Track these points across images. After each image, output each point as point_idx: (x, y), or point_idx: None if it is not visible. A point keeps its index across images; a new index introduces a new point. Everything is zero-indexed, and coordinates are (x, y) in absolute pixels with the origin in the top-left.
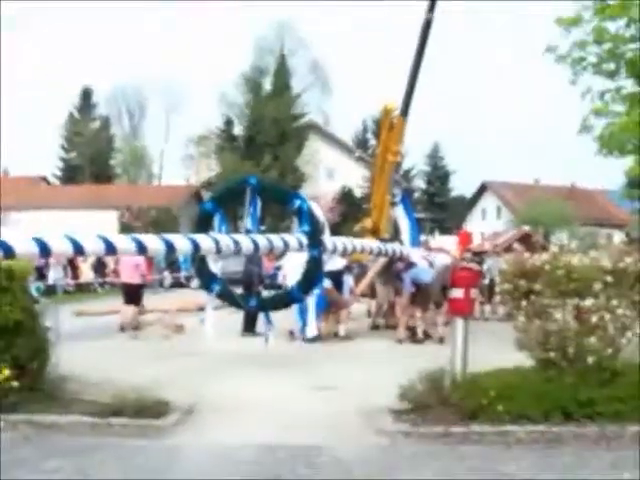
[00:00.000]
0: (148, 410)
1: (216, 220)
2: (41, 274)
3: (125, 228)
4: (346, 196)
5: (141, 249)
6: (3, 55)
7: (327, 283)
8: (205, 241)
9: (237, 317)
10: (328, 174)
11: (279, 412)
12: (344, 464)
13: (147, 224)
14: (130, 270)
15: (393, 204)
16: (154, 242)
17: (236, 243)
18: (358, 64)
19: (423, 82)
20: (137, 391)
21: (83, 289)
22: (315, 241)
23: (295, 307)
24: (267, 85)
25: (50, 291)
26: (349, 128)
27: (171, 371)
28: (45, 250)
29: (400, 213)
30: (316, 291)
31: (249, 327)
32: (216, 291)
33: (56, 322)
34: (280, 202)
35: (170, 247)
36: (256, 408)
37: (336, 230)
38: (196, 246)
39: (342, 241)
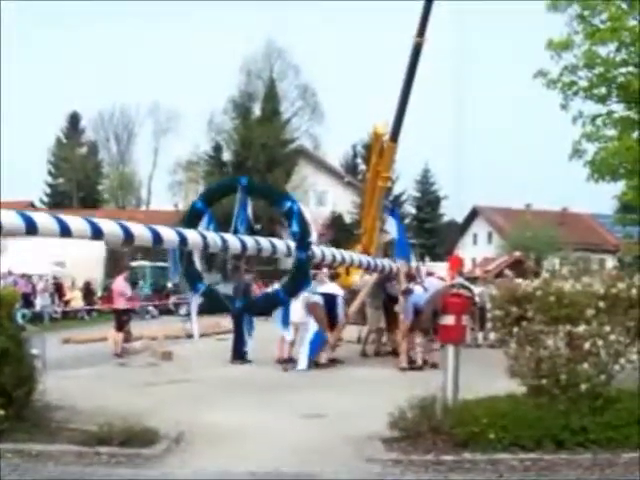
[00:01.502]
0: (136, 438)
1: (204, 219)
2: (28, 301)
3: (112, 254)
4: (336, 221)
5: (128, 236)
6: None
7: (319, 299)
8: (192, 235)
9: (226, 345)
10: (318, 200)
11: (268, 440)
12: None
13: (135, 250)
14: (114, 295)
15: (383, 230)
16: (141, 230)
17: (224, 241)
18: (348, 89)
19: (414, 106)
20: (125, 419)
21: (70, 316)
22: (303, 244)
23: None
24: (256, 110)
25: (37, 318)
26: (339, 153)
27: (159, 399)
28: (32, 226)
29: (392, 228)
30: (314, 328)
31: (238, 355)
32: (202, 291)
33: (43, 350)
34: (271, 203)
35: (157, 236)
36: (245, 436)
37: None
38: (183, 239)
39: (331, 251)
